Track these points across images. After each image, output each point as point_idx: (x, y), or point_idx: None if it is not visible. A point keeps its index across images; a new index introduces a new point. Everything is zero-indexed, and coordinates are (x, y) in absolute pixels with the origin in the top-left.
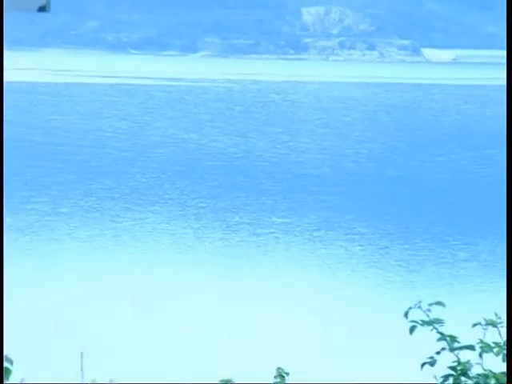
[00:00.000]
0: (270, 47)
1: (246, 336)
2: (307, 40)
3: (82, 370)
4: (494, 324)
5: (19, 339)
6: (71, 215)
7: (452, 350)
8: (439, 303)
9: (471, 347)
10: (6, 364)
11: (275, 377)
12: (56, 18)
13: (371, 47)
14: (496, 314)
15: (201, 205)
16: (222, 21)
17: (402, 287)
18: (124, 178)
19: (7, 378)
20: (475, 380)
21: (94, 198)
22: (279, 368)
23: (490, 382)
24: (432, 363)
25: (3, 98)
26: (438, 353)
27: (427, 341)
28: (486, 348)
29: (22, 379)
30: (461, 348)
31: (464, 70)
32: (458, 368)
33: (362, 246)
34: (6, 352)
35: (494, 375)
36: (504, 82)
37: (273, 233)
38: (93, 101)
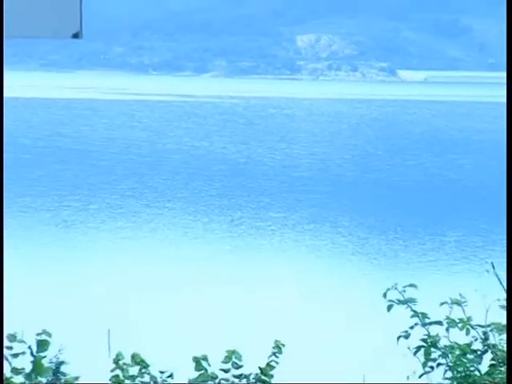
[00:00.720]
0: (269, 69)
1: (247, 308)
2: (300, 63)
3: (109, 345)
4: (458, 303)
5: (60, 317)
6: (99, 211)
7: (423, 325)
8: (412, 285)
9: (439, 323)
10: (44, 337)
11: (273, 347)
12: (87, 44)
13: (354, 69)
14: (460, 295)
15: (209, 202)
16: (229, 46)
17: (381, 270)
18: (144, 179)
19: (46, 349)
20: (443, 350)
21: (118, 196)
22: (277, 340)
23: (455, 352)
24: (406, 336)
25: (3, 99)
26: (412, 328)
27: (402, 317)
28: (451, 323)
29: (59, 350)
30: (430, 323)
31: (433, 88)
32: (429, 340)
33: (345, 236)
34: (45, 327)
35: (459, 346)
36: (466, 99)
37: (270, 226)
38: (118, 114)
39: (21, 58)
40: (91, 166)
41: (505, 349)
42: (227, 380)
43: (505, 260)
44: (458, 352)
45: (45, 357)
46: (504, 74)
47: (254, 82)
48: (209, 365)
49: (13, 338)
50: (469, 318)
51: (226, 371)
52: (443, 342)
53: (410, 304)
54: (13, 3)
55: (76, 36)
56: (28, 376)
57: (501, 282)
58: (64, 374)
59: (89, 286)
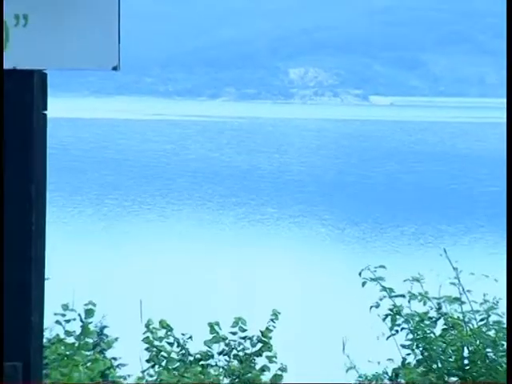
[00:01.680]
0: (268, 95)
1: (249, 282)
2: (292, 90)
3: (141, 313)
4: (417, 280)
5: (102, 290)
6: (133, 207)
7: (390, 297)
8: (381, 266)
9: (402, 296)
10: (90, 306)
11: (271, 315)
12: (124, 75)
13: (335, 95)
14: (419, 274)
15: (220, 200)
16: (236, 77)
17: (355, 254)
18: (168, 182)
19: (92, 316)
20: (405, 318)
21: (147, 196)
22: (274, 309)
23: (415, 319)
24: (377, 306)
25: (3, 103)
26: (381, 299)
27: (373, 292)
28: (412, 296)
29: (102, 317)
30: (396, 296)
31: (397, 110)
32: (394, 310)
33: (326, 227)
34: (90, 298)
35: (418, 314)
36: (422, 119)
37: (267, 219)
38: (148, 131)
39: (73, 86)
40: (126, 172)
41: (455, 316)
42: (234, 341)
43: (451, 245)
44: (417, 319)
45: (91, 322)
46: (452, 99)
47: (256, 105)
48: (220, 329)
49: (65, 307)
50: (426, 292)
51: (233, 334)
52: (405, 311)
53: (379, 281)
54: (66, 41)
55: (115, 68)
56: (77, 337)
57: (451, 263)
58: (106, 336)
59: (125, 265)
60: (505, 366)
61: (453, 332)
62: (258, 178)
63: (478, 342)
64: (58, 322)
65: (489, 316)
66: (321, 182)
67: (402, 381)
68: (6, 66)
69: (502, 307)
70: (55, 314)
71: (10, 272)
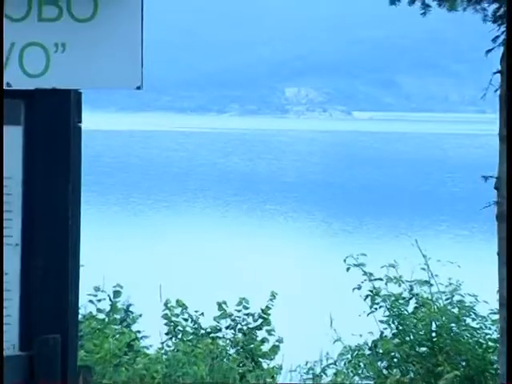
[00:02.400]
0: (267, 110)
1: (251, 266)
2: (288, 107)
3: (160, 294)
4: (393, 266)
5: (128, 274)
6: (153, 205)
7: (370, 280)
8: (363, 254)
9: (380, 279)
10: (118, 288)
11: (270, 295)
12: (145, 93)
13: (324, 110)
14: (394, 261)
15: (226, 198)
16: (240, 95)
17: (340, 244)
18: (183, 183)
19: (119, 296)
20: (383, 297)
21: (166, 194)
22: (272, 291)
23: (391, 299)
24: (359, 288)
25: (3, 107)
26: (362, 282)
27: (356, 276)
28: (389, 279)
29: (128, 299)
30: (375, 279)
31: (375, 124)
32: (373, 291)
33: (315, 221)
34: (119, 282)
35: (394, 295)
36: (397, 130)
37: (266, 215)
38: (166, 141)
39: (102, 103)
40: (147, 175)
41: (424, 296)
42: (239, 317)
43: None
44: (392, 299)
45: (118, 301)
46: (421, 114)
47: (257, 119)
48: (227, 307)
49: (97, 288)
50: (400, 276)
51: (238, 311)
52: (383, 292)
53: (361, 267)
54: (96, 64)
55: (138, 88)
56: (107, 314)
57: (421, 252)
58: (131, 313)
59: (147, 253)
60: (467, 338)
61: (423, 310)
62: (258, 180)
63: (443, 318)
64: (91, 301)
65: (453, 296)
66: (311, 183)
67: (380, 350)
68: (47, 86)
69: (464, 289)
70: (88, 295)
71: (51, 259)
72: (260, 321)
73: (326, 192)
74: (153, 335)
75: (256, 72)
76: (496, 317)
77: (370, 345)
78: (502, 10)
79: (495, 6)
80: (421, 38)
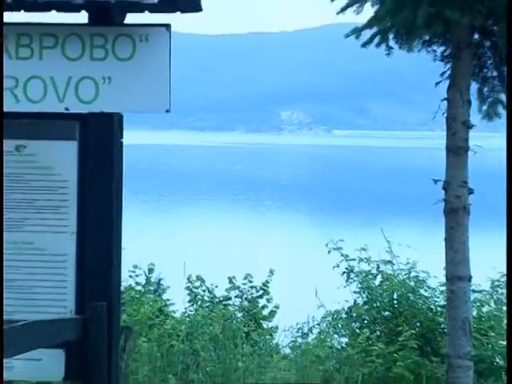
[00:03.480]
0: (266, 129)
1: (253, 249)
2: (282, 126)
3: (184, 270)
4: (364, 249)
5: (160, 255)
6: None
7: (346, 260)
8: (341, 240)
9: (354, 259)
10: (151, 266)
11: (269, 272)
12: (173, 115)
13: (310, 129)
14: (365, 245)
15: (234, 197)
16: (246, 117)
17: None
18: (200, 186)
19: (152, 272)
20: (356, 274)
21: (190, 194)
22: (270, 268)
23: (362, 275)
24: (337, 266)
25: (3, 112)
26: (340, 262)
27: (335, 257)
28: (360, 260)
29: (159, 274)
30: (350, 260)
31: (351, 140)
32: (349, 269)
33: (303, 215)
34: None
35: (364, 271)
36: (368, 144)
37: (265, 209)
38: (188, 153)
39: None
40: (174, 179)
41: (388, 272)
42: (245, 289)
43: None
44: (363, 274)
45: (151, 276)
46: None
47: (259, 136)
48: (236, 281)
49: (135, 266)
50: (369, 257)
51: (244, 284)
52: (356, 270)
53: (339, 250)
54: (134, 93)
55: (167, 111)
56: (143, 286)
57: (385, 238)
58: (162, 285)
59: (175, 239)
60: (421, 304)
61: (386, 283)
62: (259, 183)
63: (402, 289)
64: (130, 276)
65: (410, 272)
66: (300, 185)
67: (354, 314)
68: (97, 110)
69: (419, 267)
70: (129, 271)
71: (99, 243)
72: (261, 292)
73: (312, 192)
74: (178, 303)
75: (258, 99)
76: (443, 288)
77: (346, 310)
78: (448, 51)
79: (442, 48)
80: (387, 73)
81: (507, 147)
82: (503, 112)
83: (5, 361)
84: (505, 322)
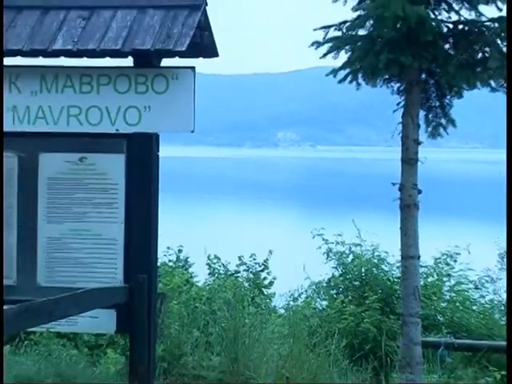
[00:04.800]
0: (266, 145)
1: (256, 235)
2: (279, 143)
3: (205, 251)
4: (339, 235)
5: (188, 240)
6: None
7: (326, 243)
8: (322, 228)
9: (332, 243)
10: (180, 247)
11: (269, 252)
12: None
13: (299, 146)
14: (341, 232)
15: (241, 196)
16: (251, 136)
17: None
18: (219, 187)
19: (181, 252)
20: (334, 254)
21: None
22: (270, 249)
23: (338, 254)
24: (320, 247)
25: (3, 117)
26: (321, 245)
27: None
28: (337, 243)
29: (186, 254)
30: (329, 243)
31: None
32: (328, 250)
33: (294, 209)
34: (181, 244)
35: (340, 252)
36: (341, 156)
37: (264, 205)
38: (209, 164)
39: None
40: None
41: (358, 252)
42: (251, 265)
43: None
44: (339, 254)
45: (181, 255)
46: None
47: (261, 151)
48: (244, 258)
49: (168, 248)
50: (344, 241)
51: (250, 261)
52: (334, 250)
53: (321, 235)
54: (166, 117)
55: (192, 131)
56: (174, 263)
57: (356, 226)
58: (188, 261)
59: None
60: (382, 276)
61: (357, 260)
62: (261, 185)
63: (368, 265)
64: (165, 255)
65: (374, 253)
66: (292, 187)
67: (332, 284)
68: (139, 131)
69: (381, 248)
70: (163, 251)
71: (140, 231)
72: (263, 267)
73: (301, 192)
74: (200, 275)
75: (260, 123)
76: (398, 264)
77: (326, 281)
78: (402, 87)
79: (398, 84)
80: (357, 103)
81: (507, 149)
82: (443, 133)
83: (70, 318)
84: (445, 288)
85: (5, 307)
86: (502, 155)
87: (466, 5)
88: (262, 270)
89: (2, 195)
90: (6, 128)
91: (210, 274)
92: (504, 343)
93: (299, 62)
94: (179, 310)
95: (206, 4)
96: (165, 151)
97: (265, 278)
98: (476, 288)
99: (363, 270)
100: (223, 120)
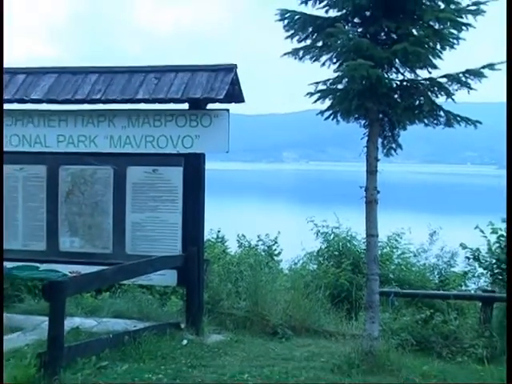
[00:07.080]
0: (276, 162)
1: (266, 220)
2: (284, 160)
3: (236, 232)
4: (325, 221)
5: (224, 225)
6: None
7: (316, 227)
8: (313, 216)
9: (322, 226)
10: (219, 229)
11: (277, 232)
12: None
13: (298, 162)
14: (326, 219)
15: (260, 194)
16: (264, 156)
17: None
18: (244, 190)
19: (219, 232)
20: (322, 234)
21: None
22: (279, 230)
23: (324, 234)
24: (311, 229)
25: (3, 116)
26: (313, 228)
27: (311, 226)
28: (323, 227)
29: (223, 233)
30: (318, 227)
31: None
32: (317, 232)
33: (295, 203)
34: (219, 227)
35: (325, 233)
36: (331, 168)
37: (275, 201)
38: (238, 175)
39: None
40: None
41: (337, 233)
42: (266, 241)
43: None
44: (324, 234)
45: (219, 233)
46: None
47: (272, 165)
48: (261, 236)
49: (211, 229)
50: (328, 225)
51: (266, 238)
52: (321, 231)
53: (313, 222)
54: (214, 141)
55: (227, 152)
56: (215, 239)
57: (336, 216)
58: (223, 238)
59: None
60: (353, 248)
61: (336, 238)
62: (272, 189)
63: (344, 241)
64: (208, 234)
65: (348, 232)
66: (293, 188)
67: (320, 254)
68: (193, 151)
69: (353, 230)
70: (208, 231)
71: (193, 218)
72: (274, 242)
73: (299, 192)
74: (232, 247)
75: (272, 147)
76: (364, 240)
77: (316, 251)
78: (367, 122)
79: (364, 120)
80: (337, 133)
81: (507, 153)
82: (394, 153)
83: (147, 275)
84: (394, 256)
85: (104, 267)
86: (430, 168)
87: (408, 69)
88: (273, 244)
89: (2, 196)
90: (105, 150)
91: (238, 246)
92: (433, 292)
93: (297, 106)
94: (218, 270)
95: (237, 67)
96: (209, 165)
97: (275, 250)
98: (414, 256)
99: (340, 244)
100: (247, 144)
